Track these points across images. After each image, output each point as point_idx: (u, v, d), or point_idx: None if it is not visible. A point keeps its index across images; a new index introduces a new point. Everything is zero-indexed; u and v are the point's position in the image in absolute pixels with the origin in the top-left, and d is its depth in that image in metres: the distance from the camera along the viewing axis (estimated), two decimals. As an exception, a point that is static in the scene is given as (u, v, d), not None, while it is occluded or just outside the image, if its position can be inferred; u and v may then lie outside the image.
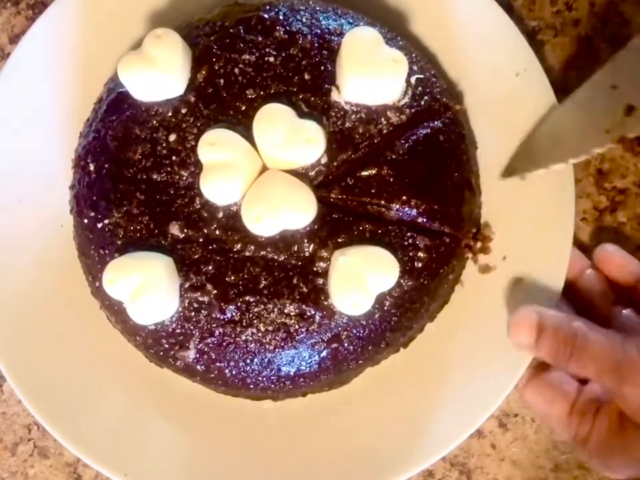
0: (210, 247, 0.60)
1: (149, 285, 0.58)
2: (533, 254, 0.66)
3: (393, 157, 0.61)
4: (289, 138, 0.59)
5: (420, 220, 0.62)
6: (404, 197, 0.61)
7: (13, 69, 0.69)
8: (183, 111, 0.61)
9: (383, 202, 0.61)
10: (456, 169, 0.64)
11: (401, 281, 0.61)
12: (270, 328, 0.60)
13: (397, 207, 0.61)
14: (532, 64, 0.68)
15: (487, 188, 0.68)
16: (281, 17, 0.63)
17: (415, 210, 0.61)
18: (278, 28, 0.63)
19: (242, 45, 0.62)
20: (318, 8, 0.65)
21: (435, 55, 0.69)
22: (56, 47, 0.69)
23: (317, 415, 0.67)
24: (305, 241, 0.60)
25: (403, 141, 0.62)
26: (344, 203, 0.61)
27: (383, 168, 0.61)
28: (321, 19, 0.64)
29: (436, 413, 0.65)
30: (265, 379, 0.62)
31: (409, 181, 0.61)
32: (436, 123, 0.63)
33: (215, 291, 0.60)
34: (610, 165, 0.74)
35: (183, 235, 0.60)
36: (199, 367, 0.62)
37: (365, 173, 0.61)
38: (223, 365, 0.62)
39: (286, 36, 0.62)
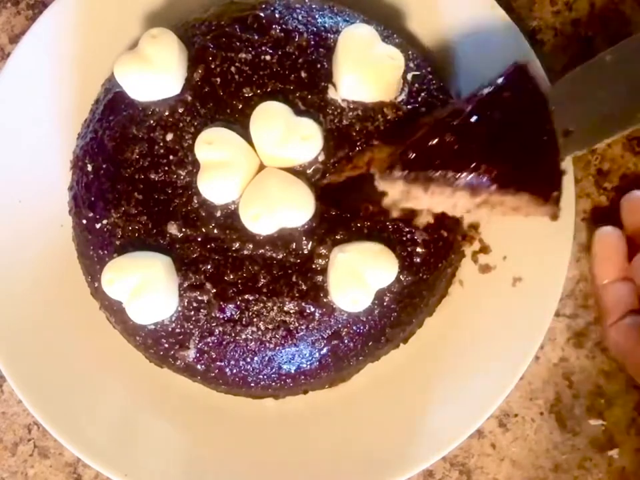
0: (208, 246, 0.60)
1: (147, 285, 0.58)
2: (533, 254, 0.66)
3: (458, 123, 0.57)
4: (285, 136, 0.59)
5: (490, 187, 0.56)
6: (473, 164, 0.56)
7: (13, 69, 0.69)
8: (180, 110, 0.62)
9: (449, 173, 0.56)
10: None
11: (400, 276, 0.61)
12: (270, 326, 0.60)
13: (466, 174, 0.56)
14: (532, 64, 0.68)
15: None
16: (277, 15, 0.63)
17: (486, 176, 0.56)
18: (274, 26, 0.63)
19: (238, 44, 0.62)
20: (314, 6, 0.65)
21: (433, 54, 0.69)
22: (55, 47, 0.70)
23: (317, 413, 0.67)
24: (304, 238, 0.60)
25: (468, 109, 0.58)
26: None
27: (445, 136, 0.57)
28: (316, 16, 0.64)
29: (436, 413, 0.66)
30: (265, 377, 0.63)
31: (476, 146, 0.57)
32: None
33: (214, 290, 0.60)
34: (610, 164, 0.73)
35: (181, 235, 0.61)
36: (199, 367, 0.62)
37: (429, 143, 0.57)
38: (223, 363, 0.62)
39: (282, 34, 0.63)
